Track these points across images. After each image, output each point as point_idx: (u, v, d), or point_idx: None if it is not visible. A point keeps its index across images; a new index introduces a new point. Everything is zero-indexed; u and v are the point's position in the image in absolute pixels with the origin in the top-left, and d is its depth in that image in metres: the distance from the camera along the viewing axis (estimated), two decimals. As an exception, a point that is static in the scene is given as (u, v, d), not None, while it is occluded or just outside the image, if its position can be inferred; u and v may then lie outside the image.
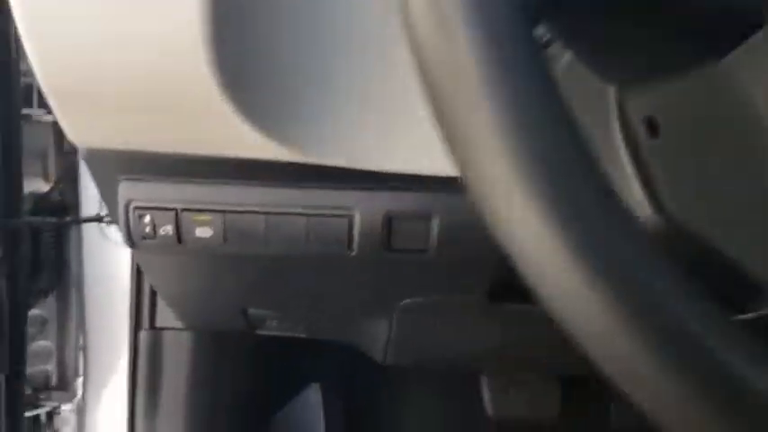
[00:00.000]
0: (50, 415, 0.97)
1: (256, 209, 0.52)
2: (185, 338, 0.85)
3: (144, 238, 0.53)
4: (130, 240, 0.53)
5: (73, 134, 0.47)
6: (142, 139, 0.47)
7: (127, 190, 0.51)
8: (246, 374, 1.03)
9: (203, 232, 0.52)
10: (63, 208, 0.89)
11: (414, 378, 1.23)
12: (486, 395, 1.11)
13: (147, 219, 0.52)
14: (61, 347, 0.96)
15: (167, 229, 0.52)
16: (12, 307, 0.79)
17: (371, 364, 1.29)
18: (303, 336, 0.81)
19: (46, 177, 0.91)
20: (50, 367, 0.96)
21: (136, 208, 0.52)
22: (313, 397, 1.19)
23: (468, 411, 1.17)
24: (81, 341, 0.96)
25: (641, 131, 0.36)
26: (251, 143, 0.46)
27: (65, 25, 0.42)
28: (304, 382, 1.19)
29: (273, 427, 1.14)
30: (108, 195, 0.53)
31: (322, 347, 1.21)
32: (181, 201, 0.51)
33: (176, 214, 0.52)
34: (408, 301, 0.66)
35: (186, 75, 0.42)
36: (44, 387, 0.96)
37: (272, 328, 0.80)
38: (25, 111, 0.83)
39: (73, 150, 0.91)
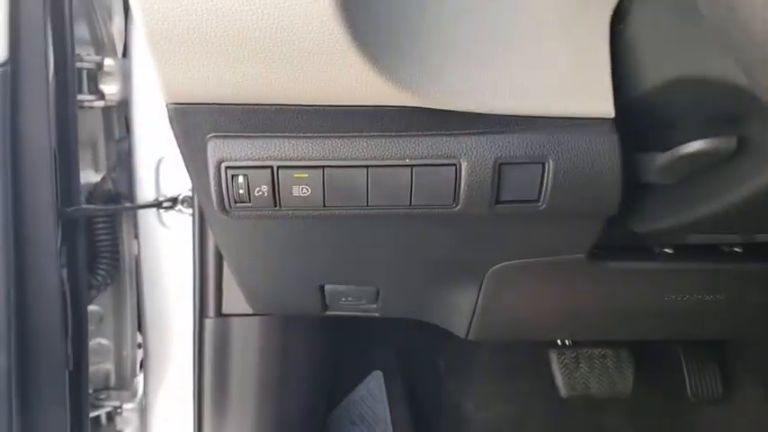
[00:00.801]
0: (111, 416, 0.93)
1: (357, 162, 0.48)
2: (254, 325, 0.81)
3: (237, 201, 0.50)
4: (222, 205, 0.50)
5: (168, 86, 0.44)
6: (241, 89, 0.44)
7: (217, 149, 0.48)
8: (313, 362, 0.99)
9: (301, 191, 0.49)
10: (116, 197, 0.86)
11: (476, 363, 1.19)
12: (557, 372, 1.06)
13: (241, 180, 0.49)
14: (119, 344, 0.92)
15: (263, 190, 0.49)
16: (72, 299, 0.76)
17: (432, 350, 1.26)
18: (375, 315, 0.77)
19: (96, 167, 0.88)
20: (110, 366, 0.92)
21: (228, 168, 0.48)
22: (376, 384, 1.15)
23: (535, 393, 1.13)
24: (138, 338, 0.93)
25: None
26: (373, 89, 0.43)
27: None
28: (367, 371, 1.15)
29: (340, 413, 1.10)
30: (194, 160, 0.50)
31: (383, 336, 1.17)
32: (277, 157, 0.48)
33: (272, 172, 0.48)
34: (502, 265, 0.62)
35: (307, 14, 0.39)
36: (104, 387, 0.93)
37: (344, 308, 0.76)
38: (79, 96, 0.80)
39: (124, 137, 0.88)
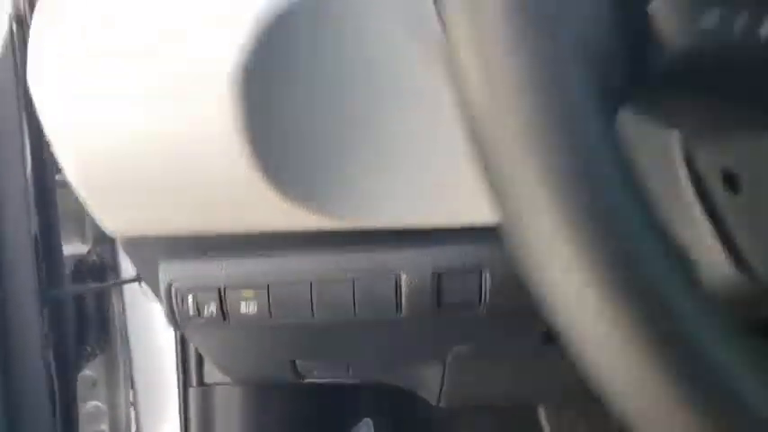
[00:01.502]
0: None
1: (301, 278, 0.50)
2: (236, 393, 0.84)
3: (188, 318, 0.52)
4: (175, 322, 0.52)
5: (108, 225, 0.46)
6: (178, 224, 0.46)
7: (167, 272, 0.50)
8: (300, 418, 1.02)
9: (248, 308, 0.51)
10: (102, 269, 0.89)
11: (467, 411, 1.20)
12: (546, 426, 1.07)
13: (190, 300, 0.51)
14: (112, 407, 0.96)
15: (212, 309, 0.51)
16: (60, 378, 0.79)
17: (422, 398, 1.27)
18: (352, 381, 0.79)
19: (83, 239, 0.91)
20: (105, 427, 0.96)
21: (178, 290, 0.50)
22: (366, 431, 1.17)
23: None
24: (131, 399, 0.96)
25: (717, 186, 0.33)
26: (290, 216, 0.45)
27: (93, 122, 0.41)
28: (356, 418, 1.18)
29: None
30: (149, 278, 0.52)
31: (372, 383, 1.19)
32: (223, 278, 0.50)
33: (219, 293, 0.50)
34: (461, 346, 0.64)
35: (221, 160, 0.41)
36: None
37: (321, 376, 0.78)
38: (58, 177, 0.83)
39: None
